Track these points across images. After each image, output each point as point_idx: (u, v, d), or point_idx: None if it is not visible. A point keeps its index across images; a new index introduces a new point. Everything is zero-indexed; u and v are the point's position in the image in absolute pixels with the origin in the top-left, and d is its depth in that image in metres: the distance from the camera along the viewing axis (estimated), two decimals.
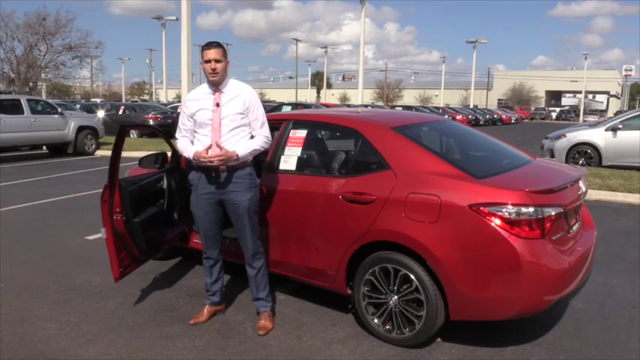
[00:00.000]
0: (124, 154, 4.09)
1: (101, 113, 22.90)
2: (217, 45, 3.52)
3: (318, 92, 79.23)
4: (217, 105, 3.52)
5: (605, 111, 74.05)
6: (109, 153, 4.03)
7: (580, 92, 65.50)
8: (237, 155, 3.49)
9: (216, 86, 3.55)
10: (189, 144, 3.65)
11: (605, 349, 3.51)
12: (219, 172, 3.55)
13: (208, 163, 3.45)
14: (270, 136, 3.71)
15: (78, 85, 67.49)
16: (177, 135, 3.72)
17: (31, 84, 34.07)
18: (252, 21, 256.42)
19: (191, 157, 3.57)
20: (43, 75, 35.76)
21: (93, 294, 4.39)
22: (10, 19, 32.83)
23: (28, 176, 11.02)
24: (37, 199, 8.51)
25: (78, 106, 24.64)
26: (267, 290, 3.82)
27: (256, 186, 3.71)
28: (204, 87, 3.63)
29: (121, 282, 4.07)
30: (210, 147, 3.48)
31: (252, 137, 3.64)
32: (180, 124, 3.70)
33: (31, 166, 12.82)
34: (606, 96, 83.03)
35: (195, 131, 3.62)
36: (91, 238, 6.06)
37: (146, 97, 74.03)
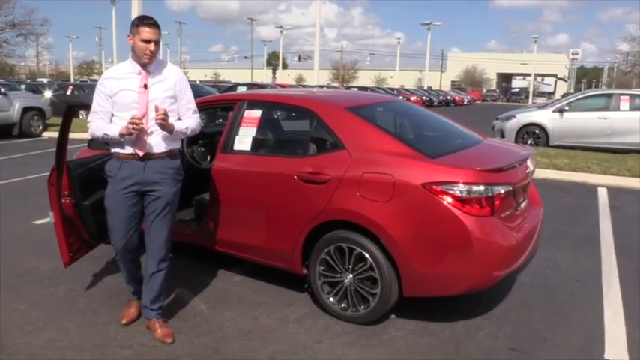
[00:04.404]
0: (73, 135, 3.95)
1: (48, 93, 22.02)
2: (156, 24, 3.12)
3: (274, 73, 78.51)
4: (145, 87, 3.15)
5: (553, 93, 76.29)
6: (56, 135, 3.88)
7: (529, 75, 67.26)
8: (173, 127, 3.17)
9: (143, 66, 3.19)
10: (107, 124, 3.22)
11: (549, 320, 3.67)
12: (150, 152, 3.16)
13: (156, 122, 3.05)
14: (200, 120, 3.47)
15: (23, 64, 64.66)
16: (90, 118, 3.29)
17: None
18: (222, 2, 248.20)
19: (117, 134, 3.12)
20: None
21: (42, 280, 4.25)
22: None
23: None
24: None
25: (23, 87, 23.66)
26: (163, 296, 3.44)
27: (181, 180, 3.38)
28: (126, 65, 3.23)
29: (72, 267, 3.96)
30: (144, 115, 3.09)
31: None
32: (96, 105, 3.25)
33: None
34: (554, 79, 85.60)
35: (114, 114, 3.22)
36: (39, 222, 5.85)
37: (96, 76, 71.43)
